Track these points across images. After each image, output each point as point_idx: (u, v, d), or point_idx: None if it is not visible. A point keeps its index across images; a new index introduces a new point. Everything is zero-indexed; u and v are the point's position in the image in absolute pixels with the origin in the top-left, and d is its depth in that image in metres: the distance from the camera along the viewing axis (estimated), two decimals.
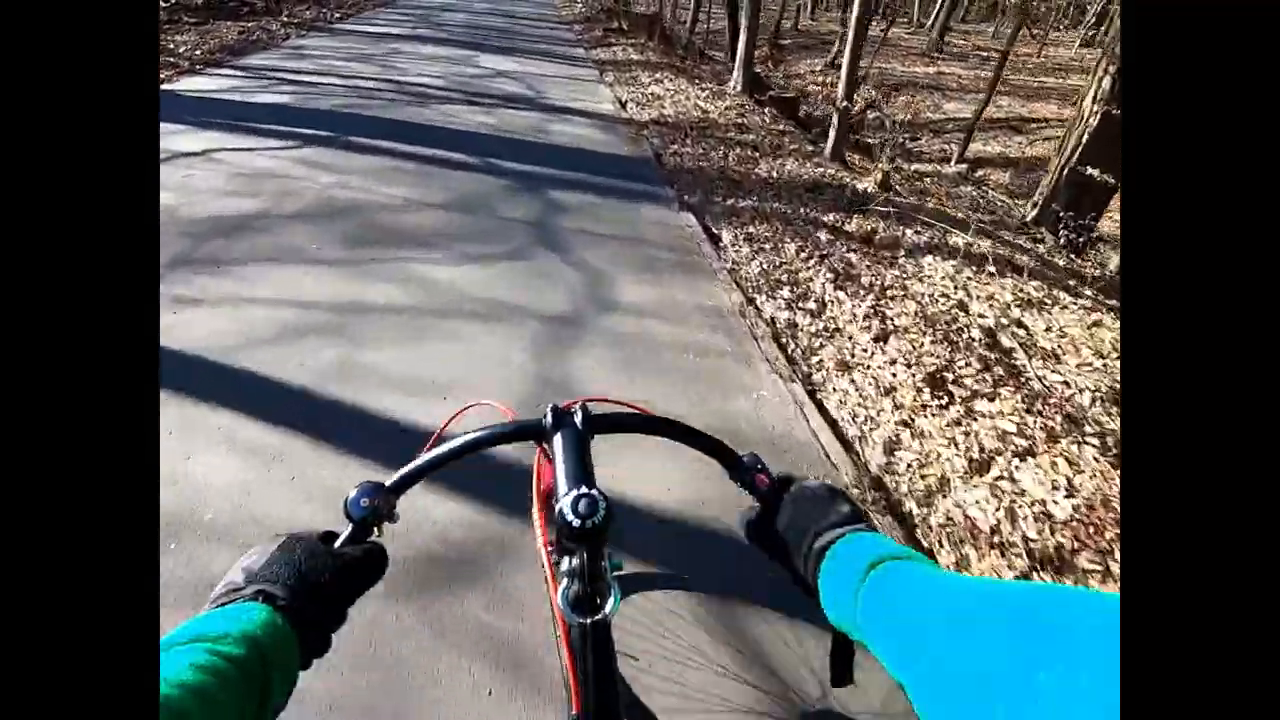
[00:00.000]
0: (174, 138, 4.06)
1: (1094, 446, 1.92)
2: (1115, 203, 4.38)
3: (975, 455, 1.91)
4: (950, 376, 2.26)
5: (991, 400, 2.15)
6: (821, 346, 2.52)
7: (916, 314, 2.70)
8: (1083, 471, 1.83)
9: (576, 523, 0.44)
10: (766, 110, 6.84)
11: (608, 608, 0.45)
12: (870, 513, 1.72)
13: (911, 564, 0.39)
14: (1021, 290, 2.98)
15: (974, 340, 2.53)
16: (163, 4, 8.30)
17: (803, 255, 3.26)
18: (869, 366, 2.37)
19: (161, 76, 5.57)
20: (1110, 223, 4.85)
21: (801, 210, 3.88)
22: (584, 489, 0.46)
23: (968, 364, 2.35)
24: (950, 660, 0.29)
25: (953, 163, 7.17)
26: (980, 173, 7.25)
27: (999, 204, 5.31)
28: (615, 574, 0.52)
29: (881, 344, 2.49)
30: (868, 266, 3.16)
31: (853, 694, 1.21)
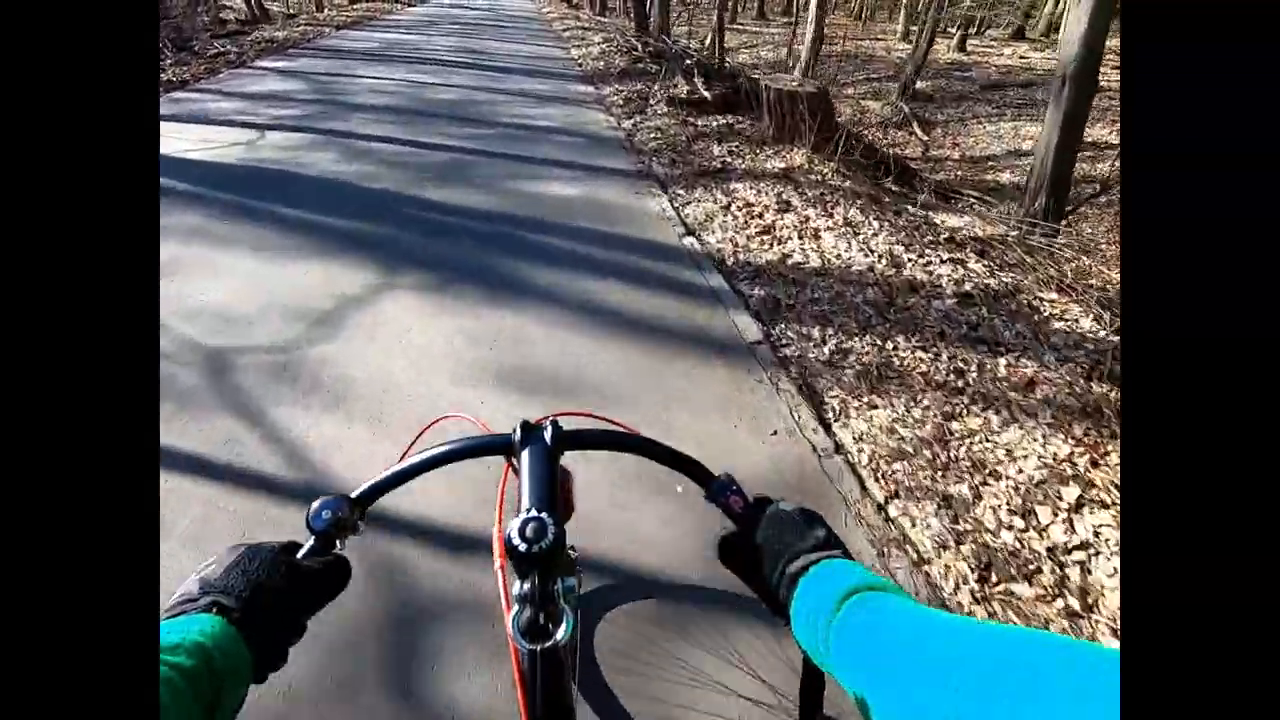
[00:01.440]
0: None
1: None
2: None
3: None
4: None
5: None
6: None
7: None
8: None
9: (522, 547, 0.44)
10: None
11: (559, 634, 0.44)
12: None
13: (886, 595, 0.38)
14: None
15: None
16: None
17: None
18: None
19: None
20: None
21: None
22: (534, 512, 0.45)
23: None
24: (926, 704, 0.29)
25: None
26: None
27: None
28: (571, 596, 0.50)
29: None
30: None
31: None
